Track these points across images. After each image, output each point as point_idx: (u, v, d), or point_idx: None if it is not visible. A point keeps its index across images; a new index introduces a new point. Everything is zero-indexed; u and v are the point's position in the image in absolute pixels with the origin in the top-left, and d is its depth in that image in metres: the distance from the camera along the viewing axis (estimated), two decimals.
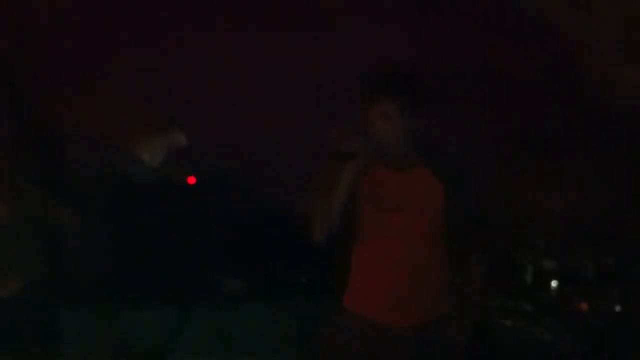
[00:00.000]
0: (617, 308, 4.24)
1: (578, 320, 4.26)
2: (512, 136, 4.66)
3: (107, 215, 4.33)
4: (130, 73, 4.53)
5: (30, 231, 3.15)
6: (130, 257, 4.27)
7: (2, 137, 3.08)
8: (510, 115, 4.72)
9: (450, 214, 2.88)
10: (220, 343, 4.09)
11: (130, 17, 4.48)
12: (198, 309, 4.04)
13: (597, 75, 4.83)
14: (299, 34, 4.66)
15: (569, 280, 4.30)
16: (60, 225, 3.31)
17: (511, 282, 4.38)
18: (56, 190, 3.34)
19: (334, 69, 4.53)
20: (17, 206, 3.11)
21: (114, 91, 4.53)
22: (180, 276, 4.22)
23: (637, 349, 4.22)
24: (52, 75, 4.27)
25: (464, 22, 4.77)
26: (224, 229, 4.17)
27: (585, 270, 4.35)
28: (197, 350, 3.65)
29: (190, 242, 4.30)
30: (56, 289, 3.49)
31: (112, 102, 4.52)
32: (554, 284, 4.31)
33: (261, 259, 4.44)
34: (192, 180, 4.46)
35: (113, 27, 4.46)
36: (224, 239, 3.98)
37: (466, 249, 2.99)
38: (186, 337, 3.49)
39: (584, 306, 4.28)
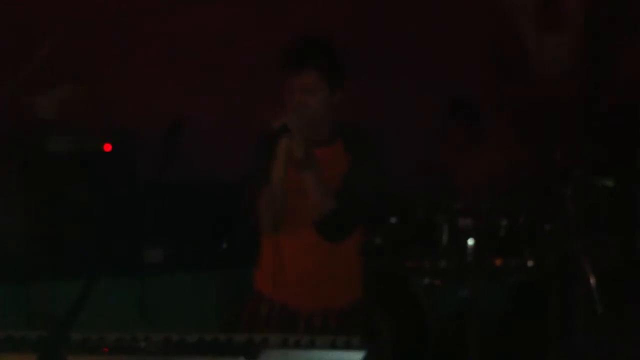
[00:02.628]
0: (530, 263, 4.38)
1: (493, 276, 4.39)
2: (437, 104, 4.71)
3: (21, 185, 4.24)
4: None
5: None
6: (48, 228, 4.20)
7: None
8: (432, 83, 4.77)
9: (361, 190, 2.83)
10: (138, 313, 4.07)
11: None
12: (114, 278, 4.00)
13: (519, 45, 4.91)
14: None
15: (484, 238, 4.41)
16: None
17: (429, 241, 4.46)
18: None
19: (264, 38, 4.49)
20: None
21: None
22: (98, 245, 4.16)
23: (548, 302, 4.38)
24: None
25: None
26: (143, 197, 4.12)
27: (500, 228, 4.45)
28: (115, 321, 3.63)
29: (110, 211, 4.24)
30: None
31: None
32: (470, 241, 4.40)
33: (182, 229, 4.41)
34: (107, 147, 4.38)
35: None
36: (144, 207, 3.93)
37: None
38: (104, 307, 3.45)
39: (499, 262, 4.40)
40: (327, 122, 2.85)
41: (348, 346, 2.28)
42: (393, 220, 4.54)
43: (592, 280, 4.03)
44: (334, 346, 2.29)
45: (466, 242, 4.34)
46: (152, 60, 4.60)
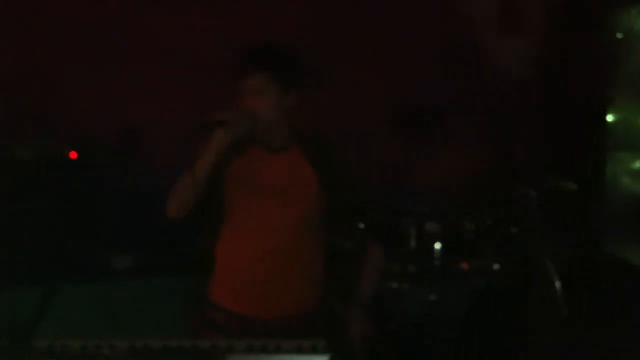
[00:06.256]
0: (495, 266, 4.42)
1: (460, 279, 4.42)
2: (396, 109, 4.74)
3: None
4: None
5: None
6: (12, 236, 4.16)
7: None
8: (392, 88, 4.79)
9: (325, 196, 2.84)
10: (105, 320, 4.04)
11: None
12: (79, 285, 3.97)
13: (478, 47, 4.96)
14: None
15: (450, 242, 4.44)
16: None
17: (396, 246, 4.48)
18: None
19: (217, 41, 4.48)
20: None
21: None
22: (61, 253, 4.13)
23: (513, 304, 4.42)
24: None
25: None
26: (108, 204, 4.10)
27: (466, 232, 4.49)
28: (82, 328, 3.60)
29: (74, 218, 4.21)
30: None
31: None
32: (436, 245, 4.43)
33: (147, 235, 4.38)
34: (73, 155, 4.34)
35: None
36: (108, 214, 3.91)
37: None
38: (66, 315, 3.42)
39: (465, 266, 4.44)
40: (282, 127, 2.85)
41: (314, 350, 2.29)
42: (360, 225, 4.55)
43: (555, 282, 4.07)
44: (300, 350, 2.30)
45: (433, 246, 4.37)
46: (113, 65, 4.57)
